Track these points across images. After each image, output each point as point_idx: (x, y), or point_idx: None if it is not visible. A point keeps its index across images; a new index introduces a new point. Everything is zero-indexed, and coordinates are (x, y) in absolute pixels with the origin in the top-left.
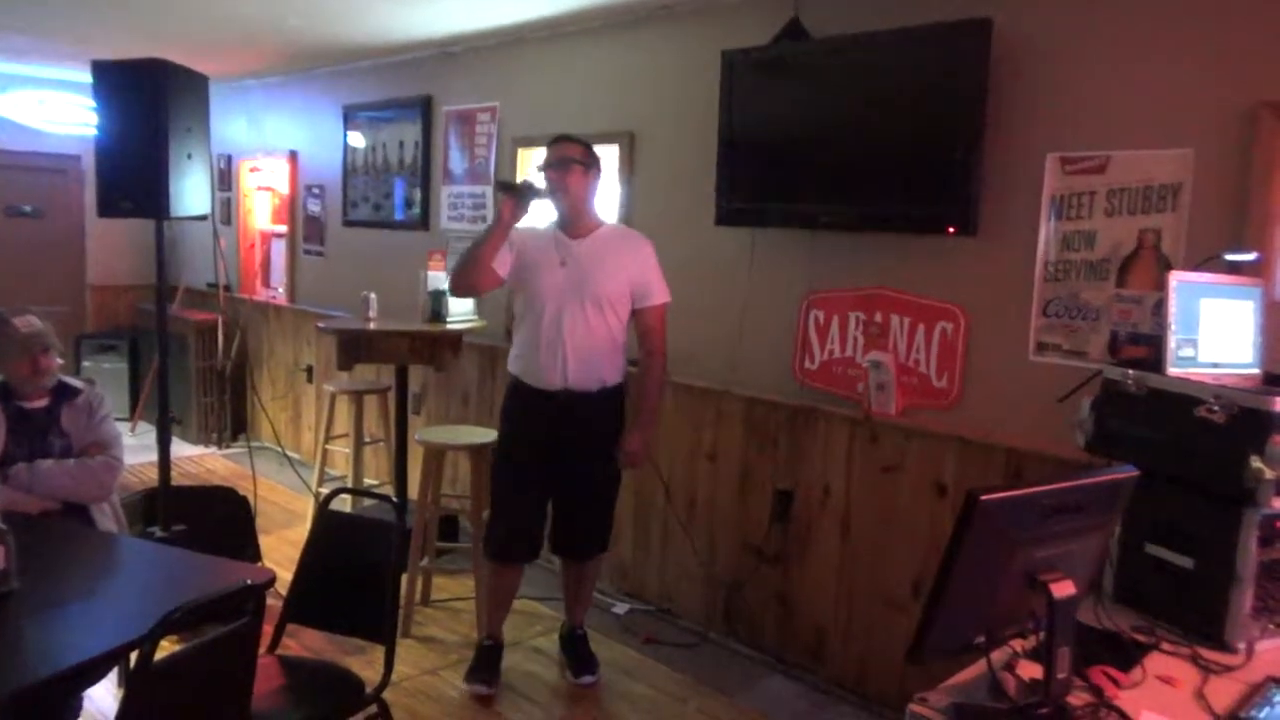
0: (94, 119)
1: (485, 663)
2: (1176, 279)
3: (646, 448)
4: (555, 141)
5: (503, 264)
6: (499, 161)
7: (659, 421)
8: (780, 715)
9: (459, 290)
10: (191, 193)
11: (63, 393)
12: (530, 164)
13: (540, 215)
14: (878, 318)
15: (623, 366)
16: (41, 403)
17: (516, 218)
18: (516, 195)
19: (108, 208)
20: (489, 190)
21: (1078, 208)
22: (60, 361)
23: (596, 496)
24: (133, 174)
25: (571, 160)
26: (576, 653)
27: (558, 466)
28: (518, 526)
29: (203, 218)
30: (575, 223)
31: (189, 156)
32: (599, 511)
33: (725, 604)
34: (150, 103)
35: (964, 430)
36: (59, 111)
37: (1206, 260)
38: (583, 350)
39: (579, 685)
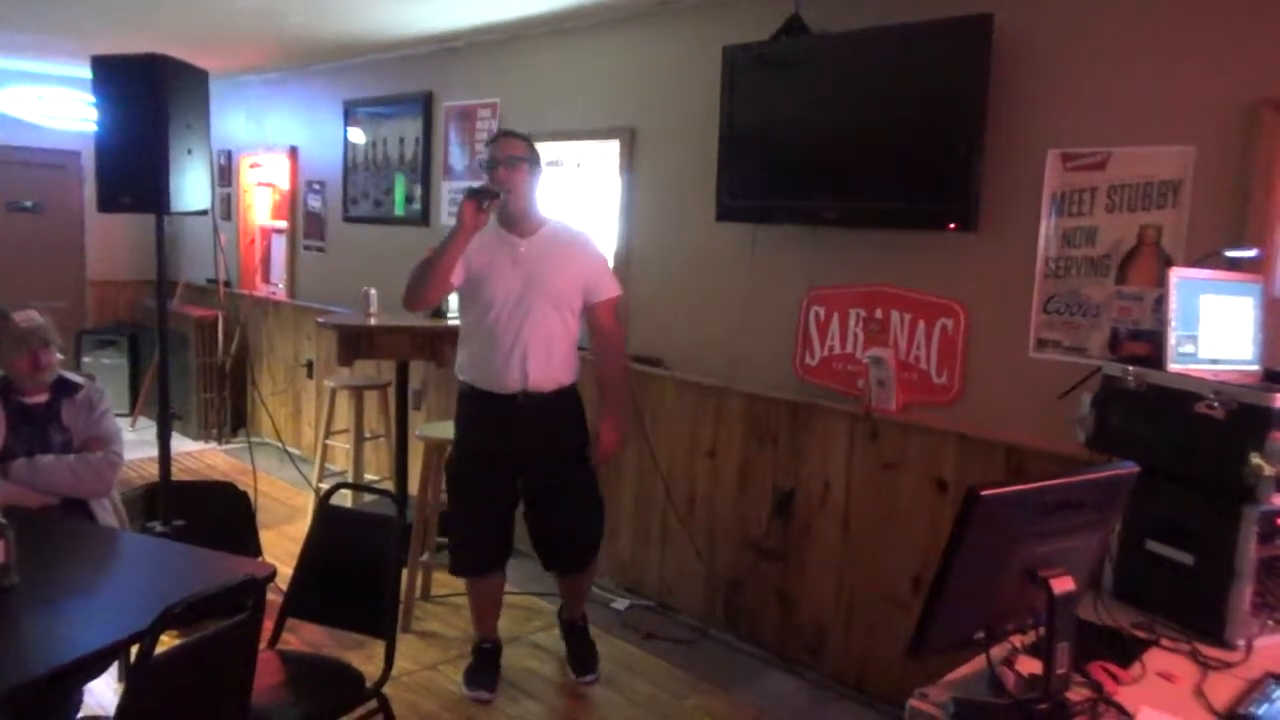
0: (94, 114)
1: (483, 665)
2: (1177, 275)
3: (620, 440)
4: (497, 138)
5: (455, 273)
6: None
7: (630, 412)
8: (780, 711)
9: (414, 304)
10: (192, 188)
11: (63, 388)
12: None
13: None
14: (878, 314)
15: (576, 365)
16: (42, 398)
17: (479, 224)
18: (481, 198)
19: (108, 203)
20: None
21: (1078, 204)
22: (60, 357)
23: (572, 500)
24: (133, 169)
25: (519, 158)
26: (578, 647)
27: (521, 473)
28: (481, 539)
29: (203, 213)
30: (521, 221)
31: (189, 152)
32: (581, 515)
33: (725, 600)
34: (150, 98)
35: (964, 427)
36: (59, 107)
37: (1207, 257)
38: (541, 350)
39: (581, 684)
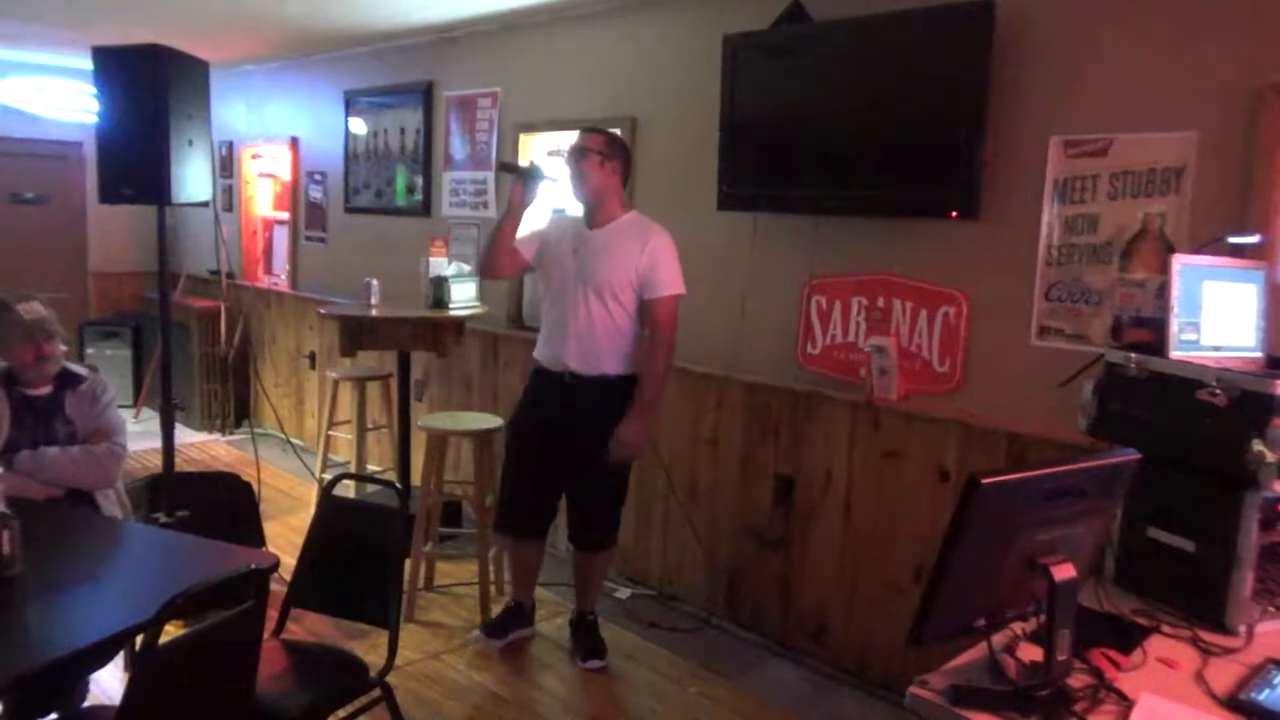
0: (95, 105)
1: (503, 618)
2: (1179, 262)
3: (640, 440)
4: (582, 131)
5: (529, 249)
6: (500, 147)
7: (657, 414)
8: (782, 699)
9: (483, 271)
10: (193, 179)
11: (66, 380)
12: (532, 149)
13: (555, 203)
14: (880, 303)
15: (629, 359)
16: (45, 390)
17: (526, 202)
18: (522, 178)
19: (109, 194)
20: (490, 176)
21: (1081, 191)
22: (64, 348)
23: (597, 487)
24: (134, 160)
25: (588, 150)
26: (585, 638)
27: (564, 452)
28: (522, 500)
29: (204, 204)
30: (593, 213)
31: (190, 143)
32: (601, 503)
33: (727, 588)
34: (151, 89)
35: (966, 415)
36: (59, 98)
37: (1209, 243)
38: (582, 337)
39: (586, 669)
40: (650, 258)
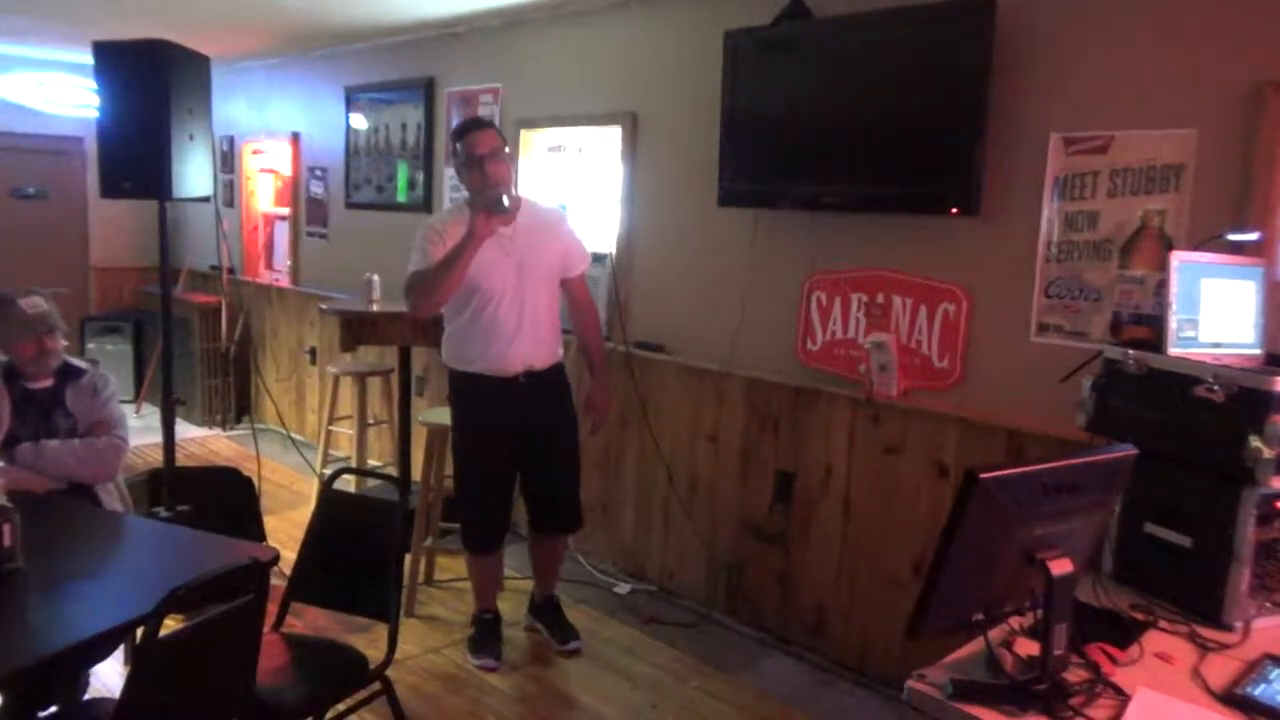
0: (96, 100)
1: (488, 635)
2: (1178, 259)
3: (610, 402)
4: (471, 130)
5: None
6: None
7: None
8: (781, 694)
9: (422, 312)
10: (193, 174)
11: (67, 374)
12: (533, 145)
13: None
14: (880, 299)
15: (561, 338)
16: (46, 383)
17: (491, 232)
18: (497, 209)
19: (109, 189)
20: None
21: (1080, 188)
22: (65, 343)
23: (562, 470)
24: (134, 155)
25: (503, 149)
26: (556, 620)
27: (521, 449)
28: (490, 515)
29: (205, 199)
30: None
31: (190, 138)
32: (568, 486)
33: (727, 584)
34: (151, 84)
35: (965, 411)
36: (60, 93)
37: (1209, 240)
38: (541, 331)
39: (566, 652)
40: (568, 238)
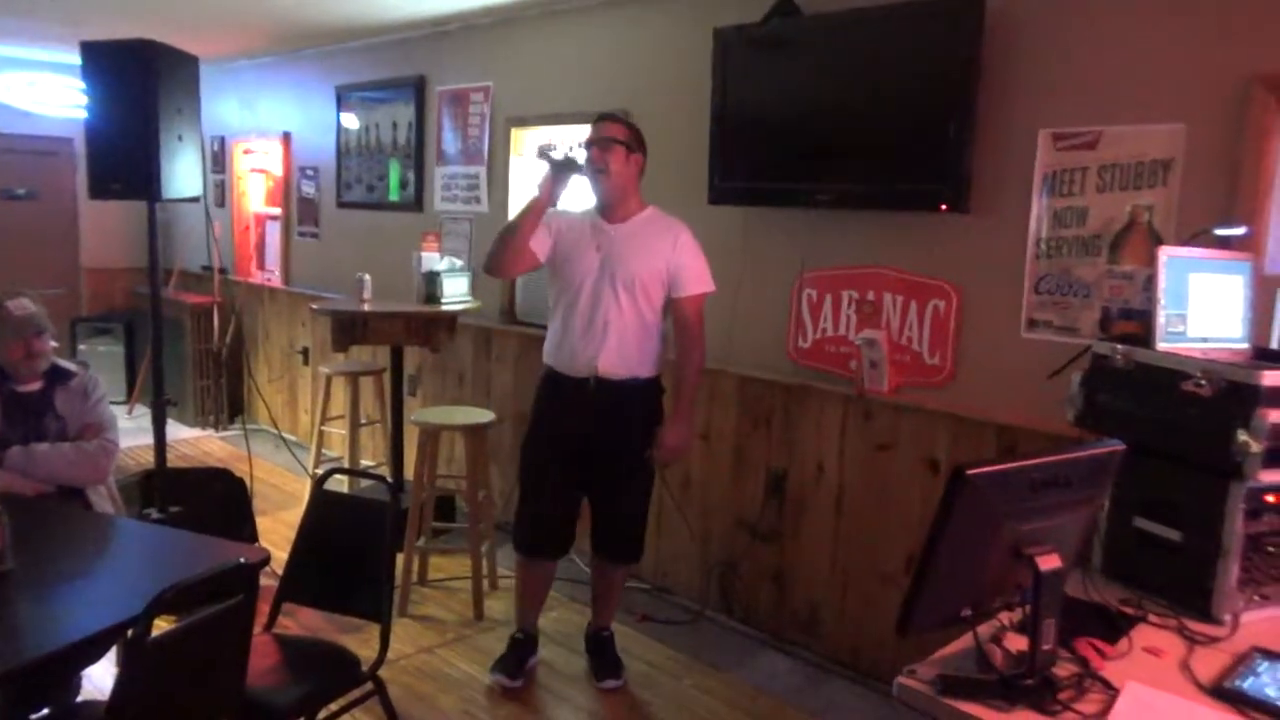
0: (85, 101)
1: (512, 654)
2: (1166, 254)
3: (688, 443)
4: (600, 119)
5: (540, 246)
6: (492, 142)
7: (693, 415)
8: (775, 690)
9: (493, 270)
10: (183, 175)
11: (57, 376)
12: (524, 144)
13: (579, 198)
14: (870, 296)
15: (657, 360)
16: (36, 386)
17: (556, 195)
18: (557, 169)
19: (99, 190)
20: (483, 171)
21: (1069, 184)
22: (55, 345)
23: (628, 498)
24: (123, 156)
25: (615, 140)
26: (604, 656)
27: (589, 461)
28: (543, 517)
29: (195, 199)
30: (615, 207)
31: (180, 138)
32: (632, 514)
33: (720, 581)
34: (140, 84)
35: (957, 407)
36: (50, 94)
37: (1197, 235)
38: (613, 337)
39: (602, 689)
40: (681, 254)
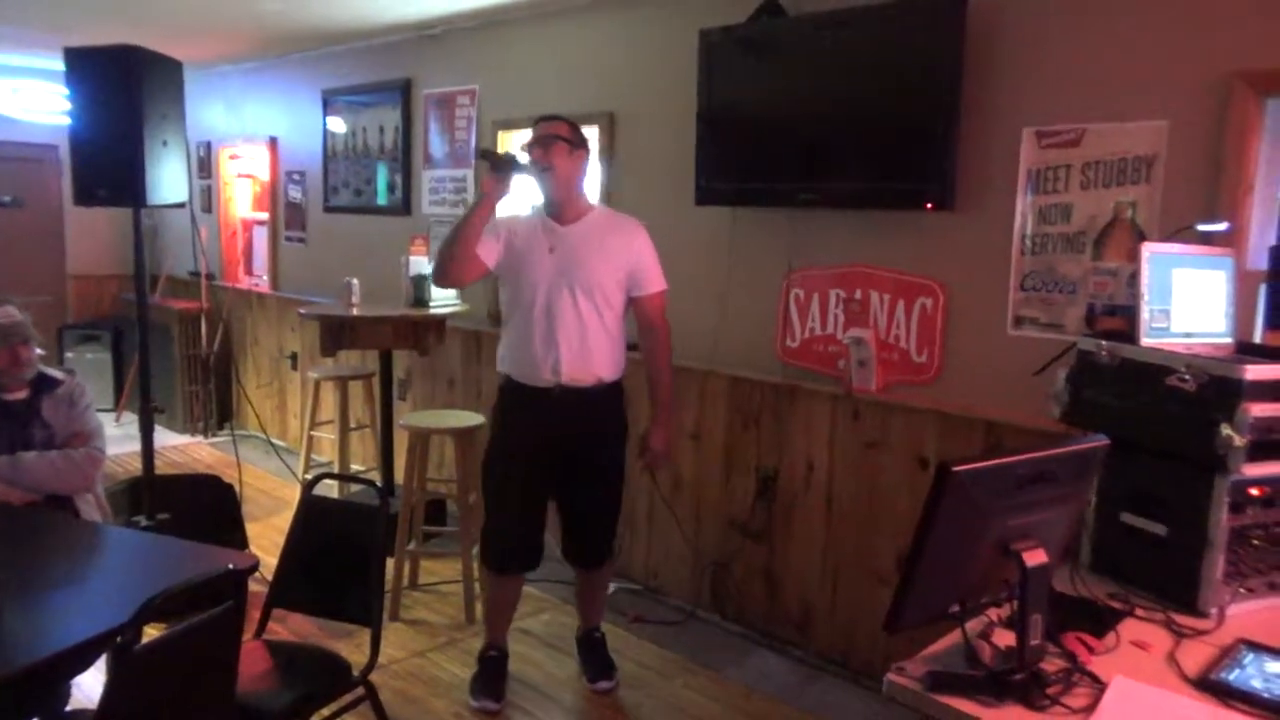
0: (69, 107)
1: (490, 674)
2: (1149, 250)
3: (670, 444)
4: (541, 119)
5: (489, 253)
6: (479, 145)
7: (672, 414)
8: (767, 690)
9: (443, 280)
10: (169, 180)
11: (43, 384)
12: (511, 146)
13: (524, 200)
14: (858, 294)
15: (620, 362)
16: (21, 394)
17: (499, 195)
18: (498, 168)
19: (84, 197)
20: (470, 174)
21: (1053, 181)
22: (41, 352)
23: (598, 503)
24: (108, 162)
25: (557, 137)
26: (596, 656)
27: (556, 469)
28: (513, 532)
29: (180, 205)
30: (563, 207)
31: (165, 144)
32: (603, 519)
33: (712, 581)
34: (124, 90)
35: (945, 405)
36: (34, 100)
37: (1179, 231)
38: (575, 342)
39: (595, 690)
40: (639, 253)
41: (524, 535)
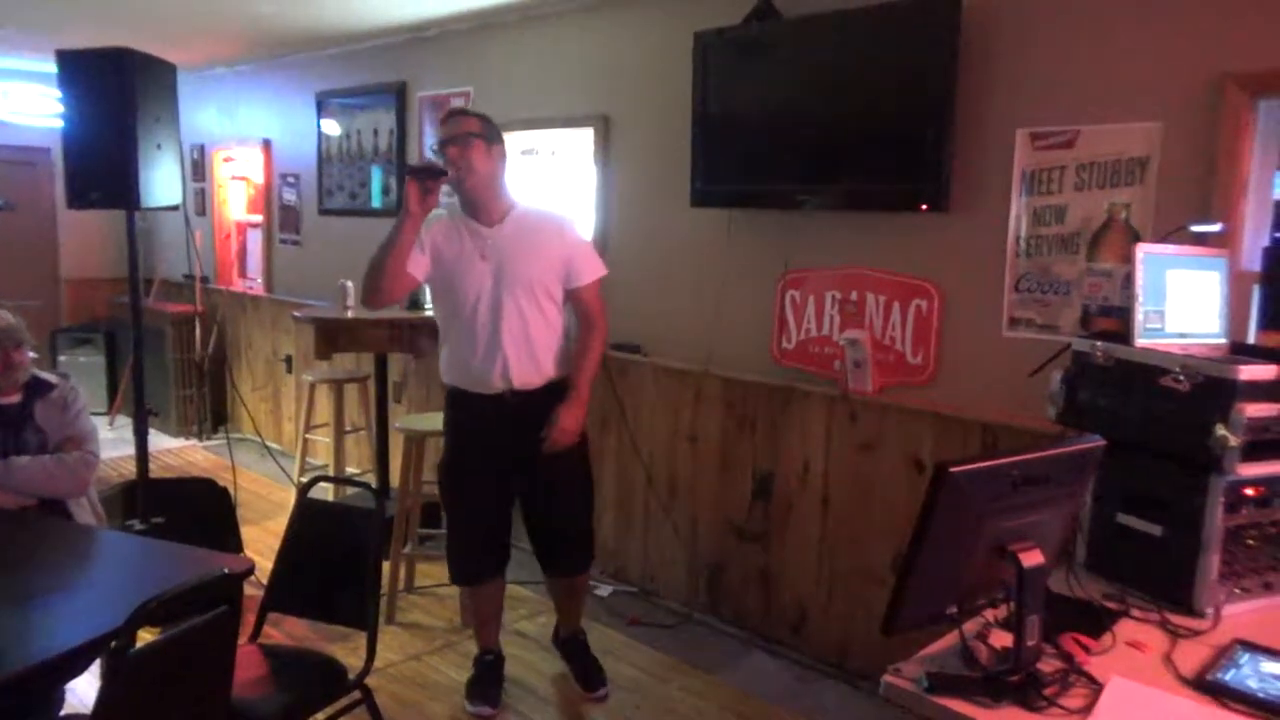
0: (61, 110)
1: (485, 679)
2: (1143, 251)
3: (579, 426)
4: (448, 116)
5: (416, 266)
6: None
7: (589, 398)
8: (764, 692)
9: (373, 300)
10: (162, 183)
11: (36, 388)
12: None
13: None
14: (853, 296)
15: (566, 356)
16: (14, 398)
17: (426, 206)
18: (419, 177)
19: (77, 200)
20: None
21: (1048, 183)
22: (34, 356)
23: (568, 504)
24: (101, 165)
25: (471, 134)
26: (582, 662)
27: (517, 476)
28: (478, 545)
29: (174, 208)
30: (487, 206)
31: (158, 146)
32: (577, 519)
33: (708, 584)
34: (117, 92)
35: (940, 406)
36: (26, 103)
37: (1173, 232)
38: (522, 347)
39: (593, 700)
40: (571, 244)
41: (490, 544)
